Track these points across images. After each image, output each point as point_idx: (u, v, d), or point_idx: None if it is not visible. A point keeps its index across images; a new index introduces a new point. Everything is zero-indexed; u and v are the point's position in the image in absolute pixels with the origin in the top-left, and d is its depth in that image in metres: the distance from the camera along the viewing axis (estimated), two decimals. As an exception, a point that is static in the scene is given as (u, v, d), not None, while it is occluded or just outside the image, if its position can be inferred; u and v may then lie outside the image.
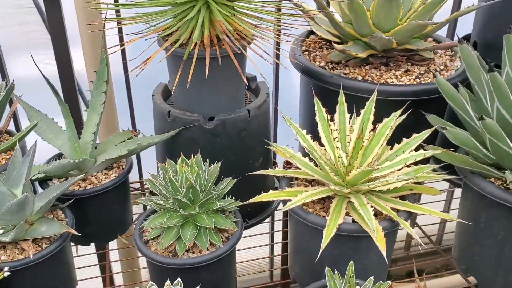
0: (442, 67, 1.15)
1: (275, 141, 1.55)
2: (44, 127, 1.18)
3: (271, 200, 0.96)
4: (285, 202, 0.96)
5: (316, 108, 0.99)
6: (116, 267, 1.60)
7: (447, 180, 1.20)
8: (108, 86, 1.14)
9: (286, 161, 1.45)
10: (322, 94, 1.05)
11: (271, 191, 0.97)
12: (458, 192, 1.45)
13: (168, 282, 0.78)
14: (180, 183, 0.90)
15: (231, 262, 0.99)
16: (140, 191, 1.47)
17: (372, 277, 0.81)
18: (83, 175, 1.04)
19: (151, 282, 0.75)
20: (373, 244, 0.93)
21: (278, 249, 1.54)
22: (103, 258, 1.52)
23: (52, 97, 1.08)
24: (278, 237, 1.50)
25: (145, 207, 1.35)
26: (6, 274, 0.82)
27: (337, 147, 0.93)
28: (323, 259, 0.96)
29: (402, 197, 0.97)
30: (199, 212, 0.91)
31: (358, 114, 0.98)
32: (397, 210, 0.92)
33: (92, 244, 1.23)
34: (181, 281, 0.78)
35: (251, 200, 0.94)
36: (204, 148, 1.06)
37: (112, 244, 1.33)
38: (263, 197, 0.96)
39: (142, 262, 1.77)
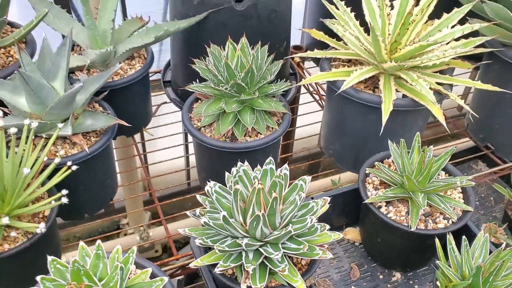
0: None
1: (303, 25, 1.52)
2: (51, 16, 1.08)
3: (322, 80, 0.96)
4: (332, 82, 0.97)
5: (360, -15, 0.97)
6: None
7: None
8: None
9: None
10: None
11: (319, 72, 0.98)
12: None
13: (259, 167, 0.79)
14: (235, 67, 0.88)
15: (280, 143, 1.01)
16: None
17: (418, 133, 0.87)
18: (121, 65, 0.98)
19: (240, 163, 0.76)
20: (417, 118, 0.98)
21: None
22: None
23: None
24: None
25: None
26: (74, 168, 0.79)
27: (390, 23, 0.93)
28: (368, 135, 1.00)
29: (441, 72, 1.01)
30: (255, 96, 0.91)
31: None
32: (441, 84, 0.96)
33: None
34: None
35: (304, 81, 0.95)
36: (233, 33, 1.01)
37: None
38: (313, 78, 0.97)
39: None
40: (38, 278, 0.60)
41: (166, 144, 1.35)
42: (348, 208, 0.95)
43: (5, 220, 0.69)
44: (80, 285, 0.59)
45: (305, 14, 1.57)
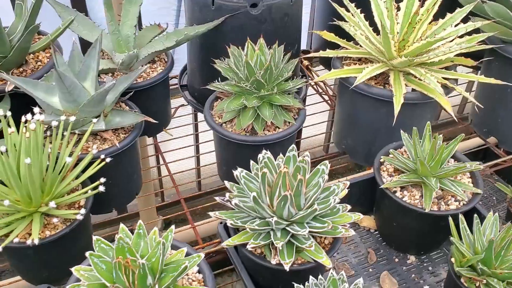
0: None
1: (311, 28, 1.61)
2: (76, 23, 1.14)
3: (336, 77, 1.02)
4: (344, 79, 1.03)
5: (369, -12, 1.04)
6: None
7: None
8: (145, -24, 1.10)
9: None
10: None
11: (333, 70, 1.04)
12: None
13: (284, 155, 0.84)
14: (255, 65, 0.94)
15: (295, 137, 1.07)
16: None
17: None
18: (146, 66, 1.04)
19: (265, 151, 0.81)
20: (425, 110, 1.04)
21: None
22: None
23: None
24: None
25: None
26: (108, 160, 0.85)
27: (398, 22, 0.99)
28: (380, 128, 1.06)
29: (446, 69, 1.07)
30: (273, 92, 0.96)
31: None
32: (446, 79, 1.02)
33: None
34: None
35: (319, 78, 1.01)
36: (249, 36, 1.07)
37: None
38: (327, 76, 1.03)
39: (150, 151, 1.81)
40: (87, 254, 0.65)
41: (176, 146, 1.40)
42: (363, 197, 1.00)
43: (52, 204, 0.74)
44: (126, 259, 0.64)
45: (311, 19, 1.65)
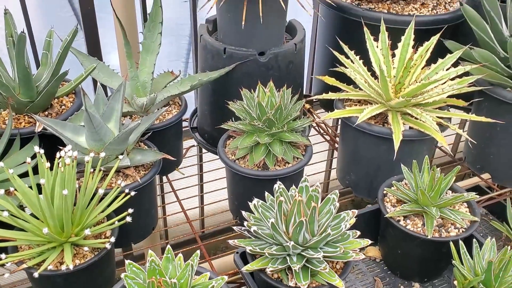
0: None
1: (311, 73, 1.72)
2: (96, 70, 1.23)
3: (339, 117, 1.11)
4: (347, 118, 1.12)
5: (366, 36, 1.15)
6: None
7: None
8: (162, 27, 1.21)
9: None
10: (348, 29, 1.24)
11: (336, 110, 1.13)
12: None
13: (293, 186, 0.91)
14: (266, 105, 1.03)
15: (303, 172, 1.14)
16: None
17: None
18: (165, 108, 1.12)
19: (279, 182, 0.88)
20: (422, 147, 1.13)
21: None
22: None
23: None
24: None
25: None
26: (133, 193, 0.91)
27: (394, 67, 1.09)
28: (381, 163, 1.14)
29: (439, 109, 1.16)
30: (283, 130, 1.05)
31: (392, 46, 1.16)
32: (441, 118, 1.11)
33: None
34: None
35: (325, 117, 1.09)
36: (257, 81, 1.17)
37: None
38: (331, 115, 1.12)
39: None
40: (122, 275, 0.71)
41: (180, 186, 1.47)
42: (368, 228, 1.06)
43: (87, 232, 0.80)
44: (159, 279, 0.70)
45: (309, 66, 1.76)
